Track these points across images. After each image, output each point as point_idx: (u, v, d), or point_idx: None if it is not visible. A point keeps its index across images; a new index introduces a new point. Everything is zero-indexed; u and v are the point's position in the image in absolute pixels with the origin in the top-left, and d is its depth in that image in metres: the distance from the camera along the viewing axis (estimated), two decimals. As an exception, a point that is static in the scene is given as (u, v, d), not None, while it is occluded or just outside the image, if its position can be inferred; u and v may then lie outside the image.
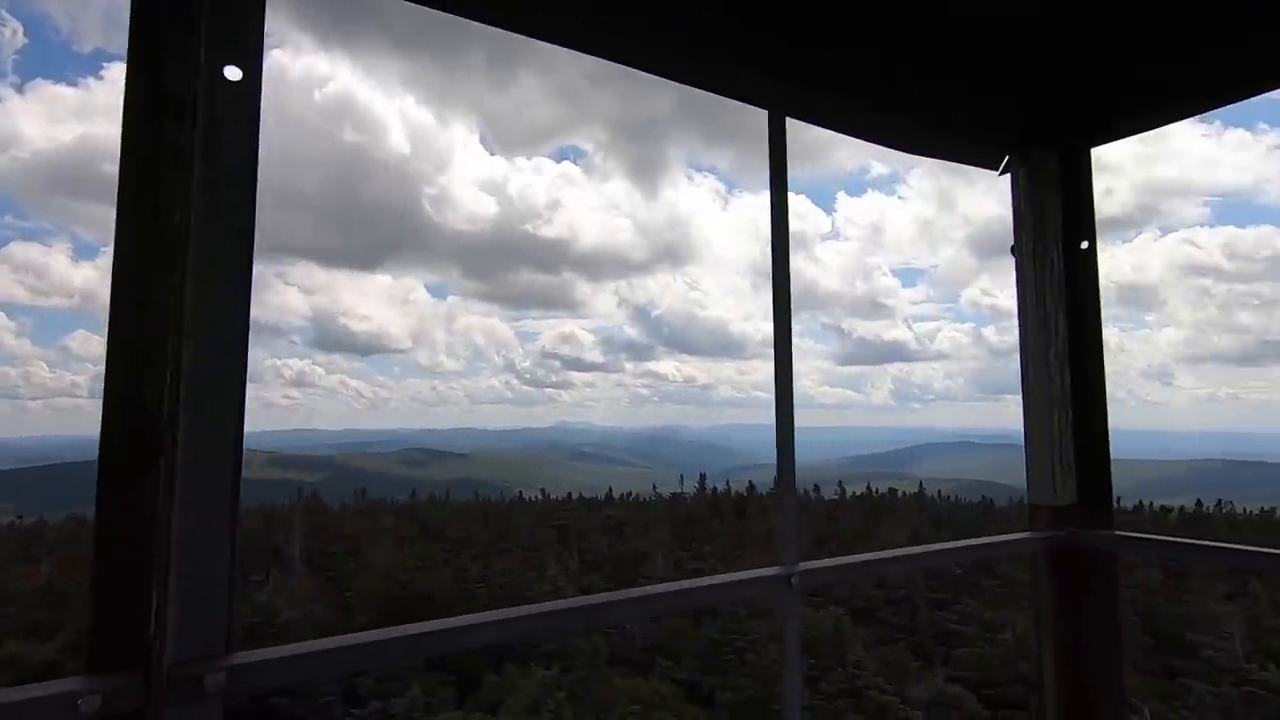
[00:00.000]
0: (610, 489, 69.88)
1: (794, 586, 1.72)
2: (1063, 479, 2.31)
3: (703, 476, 66.43)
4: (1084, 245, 2.38)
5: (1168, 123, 2.29)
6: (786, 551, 1.74)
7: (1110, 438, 2.30)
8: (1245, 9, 1.96)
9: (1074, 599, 2.31)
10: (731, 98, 1.82)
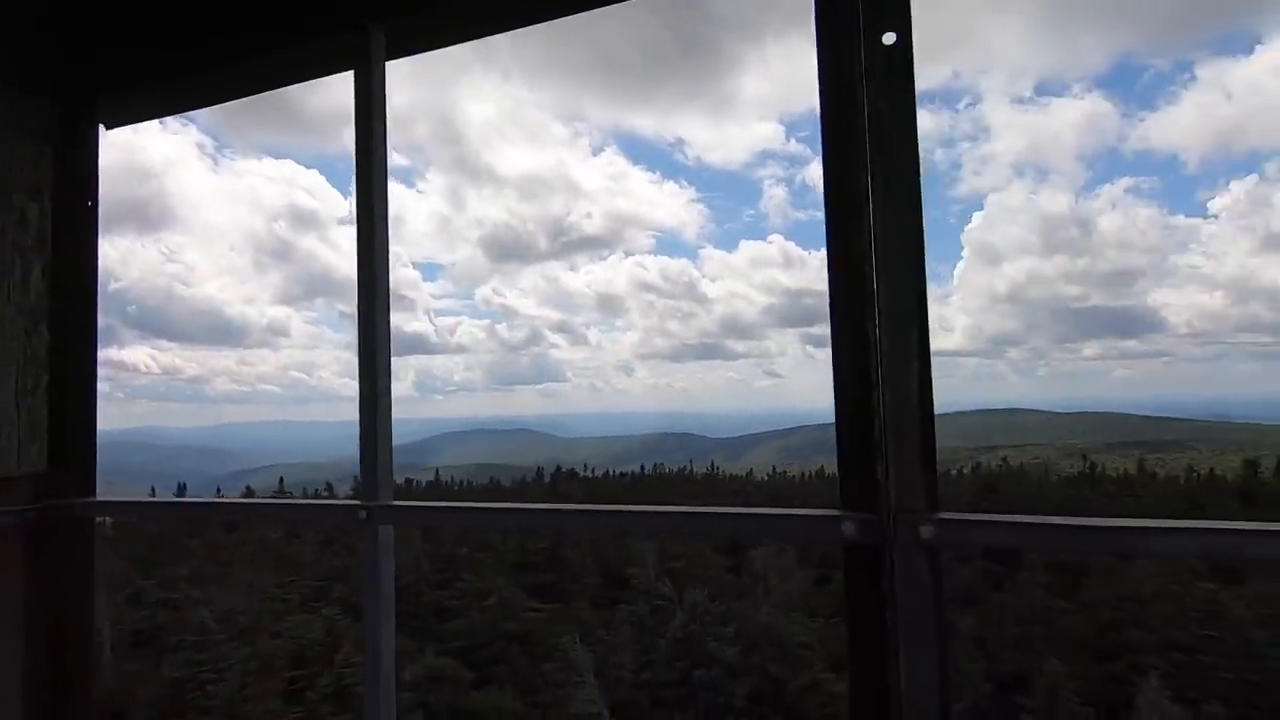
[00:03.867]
0: (38, 516, 53.42)
1: None
2: (28, 445, 2.17)
3: (182, 486, 55.92)
4: (90, 204, 2.31)
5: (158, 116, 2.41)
6: None
7: (96, 399, 2.26)
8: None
9: (55, 571, 2.20)
10: None
